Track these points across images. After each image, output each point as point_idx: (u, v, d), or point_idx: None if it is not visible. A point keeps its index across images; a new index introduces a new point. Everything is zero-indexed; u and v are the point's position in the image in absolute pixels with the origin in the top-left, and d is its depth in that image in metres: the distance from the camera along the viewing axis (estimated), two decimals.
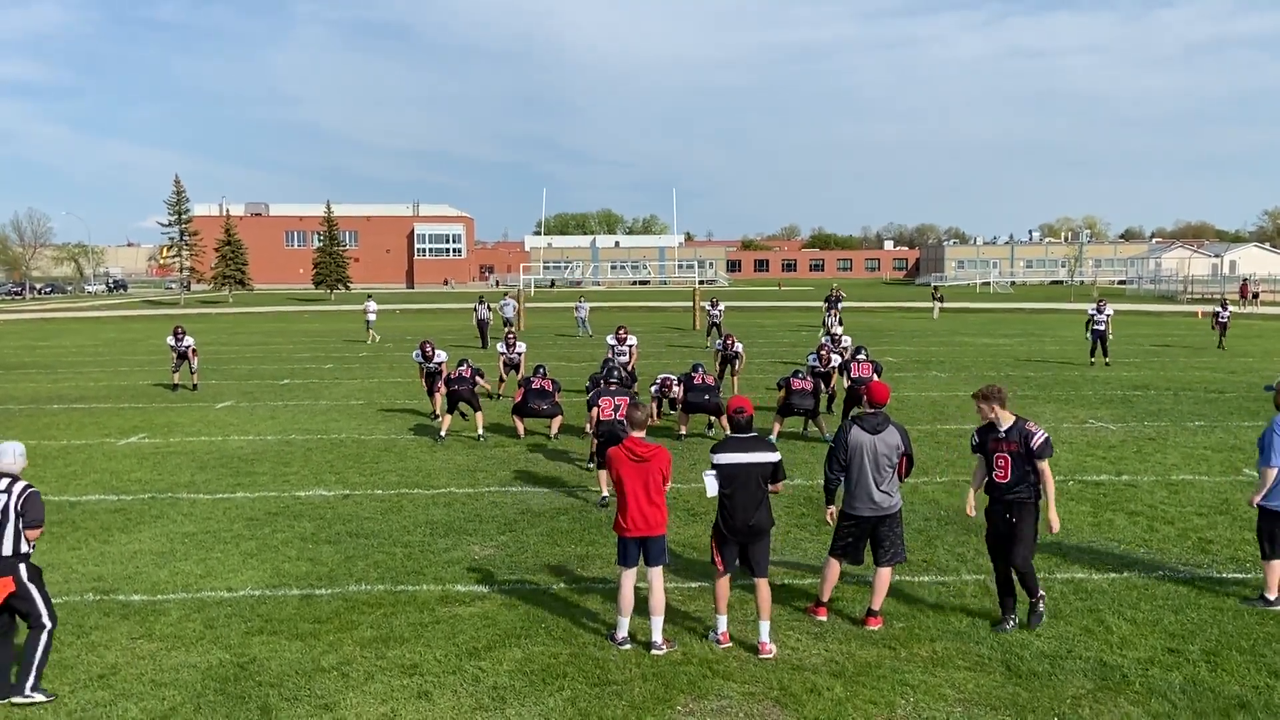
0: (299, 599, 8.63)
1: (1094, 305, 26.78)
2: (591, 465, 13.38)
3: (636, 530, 7.44)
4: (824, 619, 7.99)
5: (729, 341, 20.60)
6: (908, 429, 8.40)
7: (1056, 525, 7.74)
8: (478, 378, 16.25)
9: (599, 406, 12.31)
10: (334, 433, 16.74)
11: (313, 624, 8.02)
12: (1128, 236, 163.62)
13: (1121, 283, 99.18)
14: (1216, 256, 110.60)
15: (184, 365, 23.05)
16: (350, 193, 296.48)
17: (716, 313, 34.56)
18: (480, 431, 16.02)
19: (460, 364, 16.40)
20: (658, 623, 7.45)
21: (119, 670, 7.18)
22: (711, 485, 7.54)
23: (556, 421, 15.74)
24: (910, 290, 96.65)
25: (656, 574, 7.52)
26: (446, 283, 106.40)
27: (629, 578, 7.56)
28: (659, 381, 16.34)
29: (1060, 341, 34.90)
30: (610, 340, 20.15)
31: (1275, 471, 8.09)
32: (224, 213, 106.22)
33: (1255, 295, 59.39)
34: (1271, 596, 8.24)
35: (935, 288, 57.03)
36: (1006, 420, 7.74)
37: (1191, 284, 78.00)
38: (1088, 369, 25.69)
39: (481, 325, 34.01)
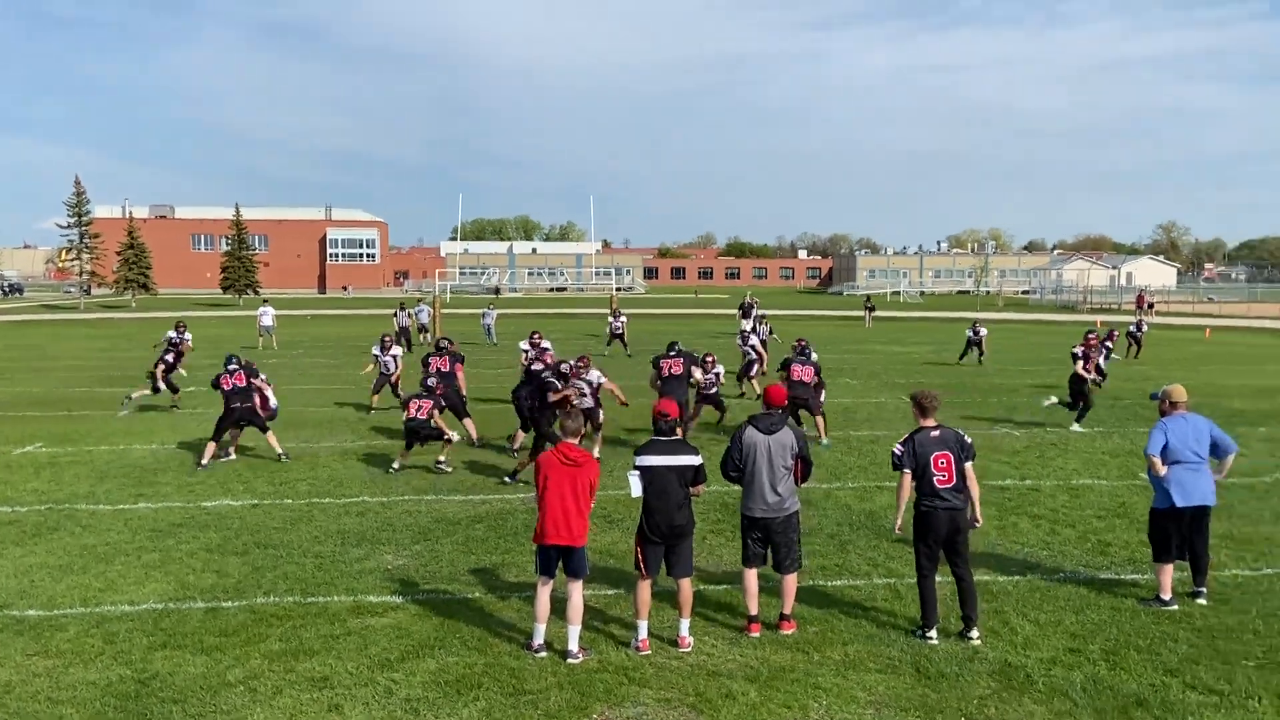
0: (204, 612, 8.40)
1: (970, 328, 30.49)
2: (508, 480, 13.27)
3: (558, 538, 7.36)
4: (758, 634, 7.88)
5: (708, 362, 17.09)
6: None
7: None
8: (435, 413, 14.15)
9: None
10: (242, 441, 16.32)
11: (218, 638, 7.81)
12: (1031, 248, 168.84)
13: (1025, 293, 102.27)
14: (1114, 268, 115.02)
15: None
16: (261, 195, 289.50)
17: (619, 324, 34.14)
18: (443, 458, 14.30)
19: (419, 397, 14.30)
20: (575, 631, 7.42)
21: (13, 688, 6.89)
22: (635, 485, 7.60)
23: (469, 424, 15.61)
24: (826, 299, 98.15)
25: (576, 585, 7.47)
26: (346, 289, 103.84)
27: (546, 587, 7.50)
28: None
29: None
30: (523, 346, 19.87)
31: (1157, 459, 8.45)
32: (127, 215, 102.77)
33: (1150, 305, 61.80)
34: (1166, 596, 8.56)
35: (867, 298, 58.60)
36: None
37: (1090, 294, 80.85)
38: (968, 370, 26.68)
39: (403, 332, 33.75)
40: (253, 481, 13.37)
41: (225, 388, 14.65)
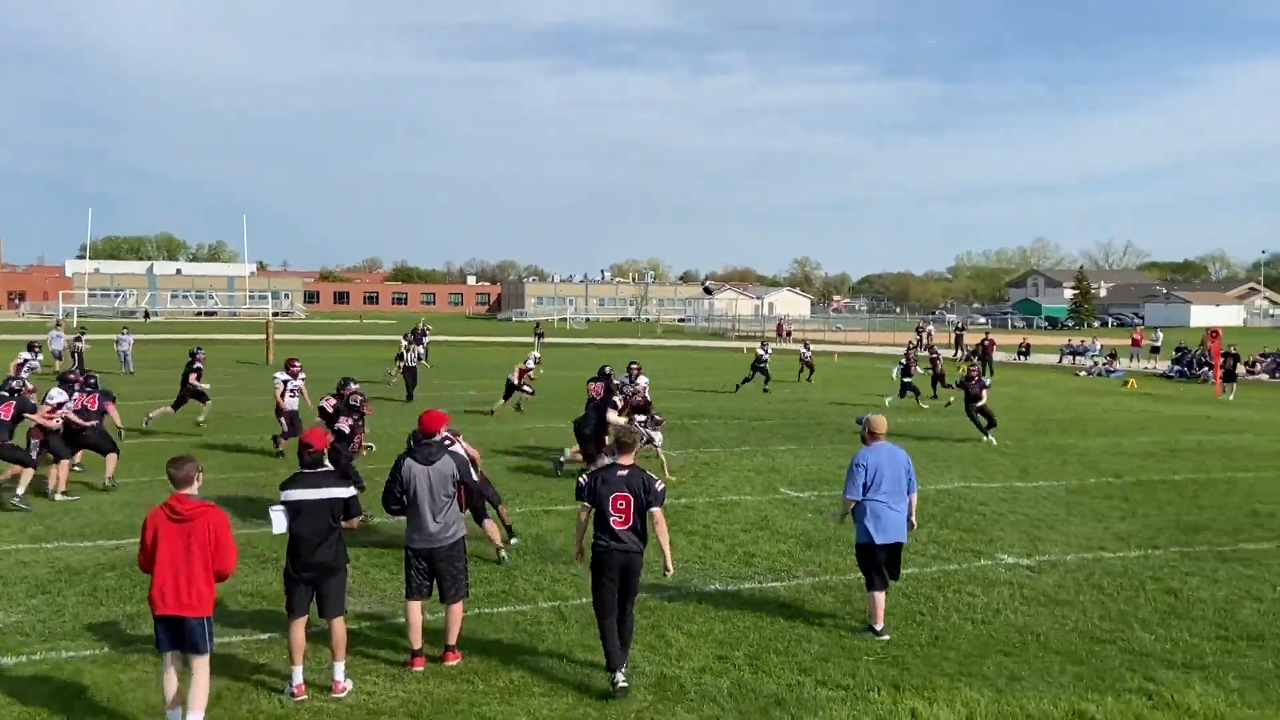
0: None
1: (803, 346, 34.74)
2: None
3: (166, 607, 6.33)
4: (421, 668, 7.69)
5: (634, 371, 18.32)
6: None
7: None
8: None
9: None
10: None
11: None
12: (686, 279, 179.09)
13: (681, 320, 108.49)
14: (758, 299, 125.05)
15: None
16: None
17: (423, 348, 32.23)
18: (108, 476, 14.26)
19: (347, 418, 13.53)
20: (198, 717, 6.41)
21: None
22: (279, 522, 7.15)
23: (112, 460, 14.24)
24: (495, 325, 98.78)
25: (199, 661, 6.43)
26: None
27: (170, 663, 6.50)
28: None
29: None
30: (282, 377, 17.79)
31: (852, 502, 8.69)
32: None
33: (789, 333, 67.65)
34: (878, 627, 8.72)
35: (537, 324, 59.79)
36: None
37: (738, 323, 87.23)
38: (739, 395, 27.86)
39: (76, 354, 32.25)
40: None
41: (75, 407, 14.07)
